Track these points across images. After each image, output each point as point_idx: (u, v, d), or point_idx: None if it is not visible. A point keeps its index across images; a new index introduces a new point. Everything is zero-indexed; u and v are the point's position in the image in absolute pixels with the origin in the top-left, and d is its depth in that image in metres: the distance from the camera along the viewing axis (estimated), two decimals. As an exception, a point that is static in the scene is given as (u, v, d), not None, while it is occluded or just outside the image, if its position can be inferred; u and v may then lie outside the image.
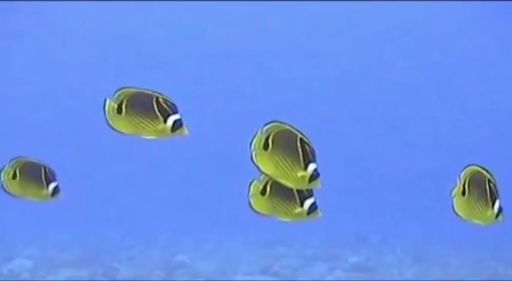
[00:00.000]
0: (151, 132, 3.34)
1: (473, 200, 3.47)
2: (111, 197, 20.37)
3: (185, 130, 3.36)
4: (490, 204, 3.46)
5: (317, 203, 3.44)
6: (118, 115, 3.34)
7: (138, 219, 16.86)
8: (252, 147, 3.30)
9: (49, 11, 23.87)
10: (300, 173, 3.28)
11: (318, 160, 3.29)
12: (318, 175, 3.31)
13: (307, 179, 3.29)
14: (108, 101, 3.34)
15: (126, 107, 3.33)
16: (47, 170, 3.68)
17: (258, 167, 3.30)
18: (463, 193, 3.49)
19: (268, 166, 3.29)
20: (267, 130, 3.29)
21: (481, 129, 24.59)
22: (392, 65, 25.92)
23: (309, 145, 3.27)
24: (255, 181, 3.43)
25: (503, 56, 25.21)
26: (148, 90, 3.33)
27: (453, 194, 3.51)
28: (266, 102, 23.73)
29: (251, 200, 3.44)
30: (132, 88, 3.34)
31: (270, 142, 3.28)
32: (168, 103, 3.32)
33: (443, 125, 25.09)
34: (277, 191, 3.41)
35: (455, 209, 3.51)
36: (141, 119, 3.31)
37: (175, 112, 3.33)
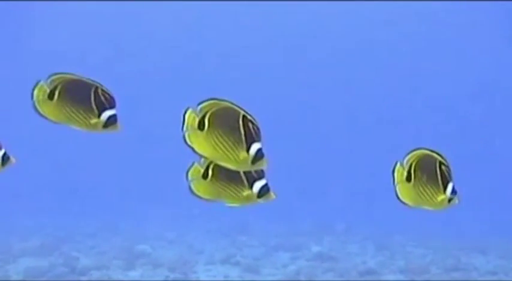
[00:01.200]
0: (82, 125, 3.06)
1: (421, 185, 3.22)
2: (72, 186, 20.14)
3: (118, 127, 3.07)
4: (442, 188, 3.22)
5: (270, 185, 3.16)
6: (49, 101, 3.05)
7: (100, 208, 16.64)
8: (184, 127, 3.01)
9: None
10: (242, 155, 3.02)
11: (264, 139, 3.01)
12: (263, 155, 3.03)
13: (249, 160, 3.02)
14: (40, 83, 3.05)
15: (59, 93, 3.04)
16: None
17: (192, 148, 3.02)
18: (408, 179, 3.24)
19: (204, 147, 3.01)
20: (202, 108, 3.01)
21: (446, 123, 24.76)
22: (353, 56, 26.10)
23: (252, 123, 3.00)
24: (195, 164, 3.16)
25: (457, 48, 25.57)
26: (88, 79, 3.04)
27: (396, 181, 3.25)
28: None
29: (191, 185, 3.16)
30: (70, 74, 3.05)
31: (206, 121, 3.00)
32: (107, 96, 3.05)
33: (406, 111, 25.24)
34: (221, 174, 3.14)
35: (401, 197, 3.25)
36: (73, 109, 3.03)
37: (112, 107, 3.06)
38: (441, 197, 3.22)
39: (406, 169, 3.24)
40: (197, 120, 3.00)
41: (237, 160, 3.01)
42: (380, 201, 17.07)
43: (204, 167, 3.15)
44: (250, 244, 12.78)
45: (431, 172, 3.21)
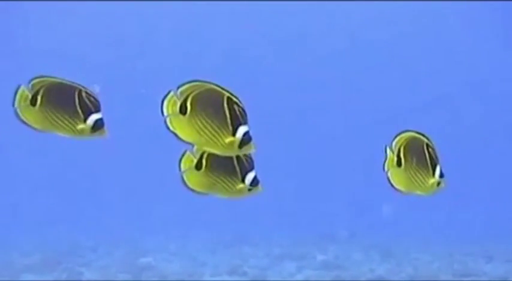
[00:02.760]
0: (68, 131, 2.87)
1: (413, 169, 3.10)
2: (69, 200, 19.99)
3: (105, 132, 2.90)
4: (431, 171, 3.11)
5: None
6: (31, 107, 2.85)
7: (99, 221, 16.50)
8: (164, 112, 2.83)
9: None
10: (228, 138, 2.83)
11: (249, 122, 2.83)
12: (250, 138, 2.86)
13: (236, 144, 2.84)
14: (21, 88, 2.84)
15: (42, 98, 2.84)
16: None
17: (175, 134, 2.83)
18: (399, 163, 3.13)
19: (188, 132, 2.83)
20: (184, 91, 2.84)
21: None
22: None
23: (238, 105, 2.82)
24: (188, 153, 2.96)
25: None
26: (70, 82, 2.86)
27: (386, 168, 3.13)
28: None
29: (184, 176, 2.96)
30: (52, 77, 2.85)
31: (188, 104, 2.82)
32: (91, 99, 2.87)
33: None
34: (215, 164, 2.96)
35: (393, 183, 3.13)
36: (58, 115, 2.85)
37: (97, 110, 2.87)
38: (431, 180, 3.12)
39: (396, 154, 3.12)
40: (179, 104, 2.83)
41: (223, 145, 2.84)
42: (381, 208, 17.11)
43: (198, 157, 2.97)
44: (254, 255, 12.64)
45: (420, 155, 3.11)
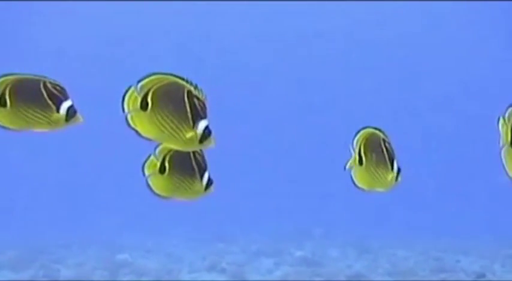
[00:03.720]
0: (44, 124, 2.81)
1: (373, 166, 3.09)
2: (41, 197, 19.82)
3: (80, 118, 2.83)
4: (390, 166, 3.09)
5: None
6: (2, 109, 2.77)
7: (72, 218, 16.37)
8: (125, 109, 2.76)
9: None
10: (189, 133, 2.77)
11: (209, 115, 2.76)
12: (210, 132, 2.80)
13: (197, 139, 2.78)
14: None
15: (10, 98, 2.76)
16: None
17: (136, 131, 2.76)
18: (360, 161, 3.10)
19: (149, 129, 2.76)
20: (144, 86, 2.75)
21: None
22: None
23: (198, 98, 2.76)
24: (151, 157, 2.90)
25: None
26: (32, 75, 2.78)
27: (348, 166, 3.10)
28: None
29: (149, 181, 2.90)
30: (14, 74, 2.77)
31: (149, 100, 2.74)
32: (58, 88, 2.80)
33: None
34: (176, 166, 2.90)
35: (356, 182, 3.11)
36: (31, 111, 2.77)
37: (67, 98, 2.81)
38: (390, 175, 3.11)
39: (357, 152, 3.10)
40: (139, 99, 2.76)
41: (184, 140, 2.79)
42: (355, 204, 17.17)
43: (160, 160, 2.92)
44: (230, 251, 12.62)
45: (378, 151, 3.10)
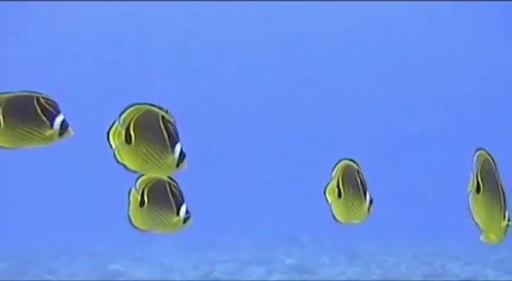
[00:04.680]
0: (39, 140, 2.78)
1: (350, 199, 3.09)
2: (27, 206, 19.69)
3: (71, 131, 2.81)
4: (363, 197, 3.10)
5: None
6: None
7: (57, 227, 16.25)
8: (112, 144, 2.77)
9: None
10: (170, 159, 2.79)
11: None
12: (185, 155, 2.82)
13: (174, 163, 2.80)
14: None
15: (4, 117, 2.74)
16: None
17: (125, 166, 2.77)
18: (339, 194, 3.09)
19: (135, 161, 2.78)
20: (125, 119, 2.76)
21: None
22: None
23: (170, 122, 2.78)
24: (133, 191, 2.89)
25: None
26: (23, 91, 2.75)
27: (330, 200, 3.10)
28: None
29: (131, 215, 2.90)
30: (6, 93, 2.73)
31: (131, 132, 2.76)
32: (50, 103, 2.77)
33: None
34: (154, 199, 2.89)
35: (335, 215, 3.11)
36: (26, 129, 2.75)
37: (59, 112, 2.79)
38: (365, 207, 3.11)
39: (335, 185, 3.11)
40: (123, 133, 2.78)
41: (165, 166, 2.81)
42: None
43: (140, 194, 2.90)
44: (221, 259, 12.59)
45: (354, 183, 3.10)
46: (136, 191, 2.90)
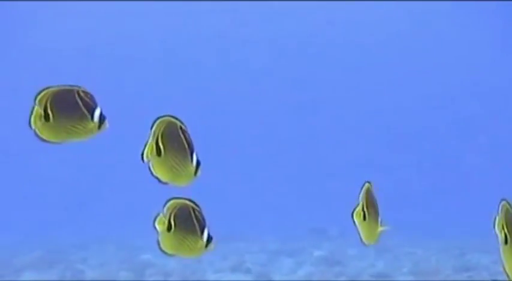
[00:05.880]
0: (82, 134, 2.82)
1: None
2: (50, 198, 19.83)
3: (107, 125, 2.84)
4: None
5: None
6: (45, 123, 2.77)
7: (87, 218, 16.38)
8: (145, 157, 2.81)
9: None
10: (191, 168, 2.86)
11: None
12: (200, 163, 2.88)
13: (193, 171, 2.86)
14: (34, 108, 2.75)
15: (52, 111, 2.77)
16: None
17: (157, 178, 2.84)
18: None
19: (164, 172, 2.85)
20: (155, 132, 2.81)
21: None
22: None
23: (186, 132, 2.83)
24: (160, 216, 2.90)
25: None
26: (64, 85, 2.78)
27: (357, 223, 3.22)
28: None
29: (160, 240, 2.93)
30: (51, 87, 2.76)
31: (161, 145, 2.81)
32: (89, 95, 2.80)
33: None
34: (181, 223, 2.90)
35: (361, 237, 3.25)
36: (71, 122, 2.79)
37: (96, 105, 2.82)
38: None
39: (361, 208, 3.18)
40: (154, 146, 2.82)
41: (188, 175, 2.87)
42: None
43: (167, 218, 2.91)
44: (249, 250, 12.63)
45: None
46: (164, 215, 2.91)
